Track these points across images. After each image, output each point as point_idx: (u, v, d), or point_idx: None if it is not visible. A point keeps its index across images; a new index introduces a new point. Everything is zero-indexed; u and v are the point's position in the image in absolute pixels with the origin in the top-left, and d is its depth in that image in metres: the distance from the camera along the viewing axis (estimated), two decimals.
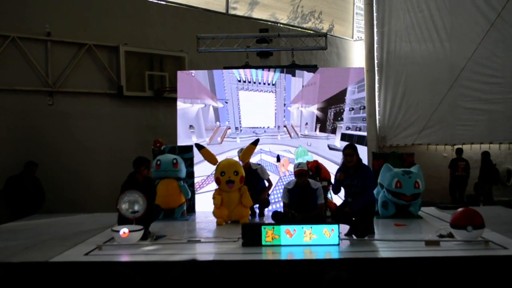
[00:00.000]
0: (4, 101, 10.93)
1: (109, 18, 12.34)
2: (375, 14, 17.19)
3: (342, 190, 7.00)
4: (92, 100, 12.17)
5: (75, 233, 7.44)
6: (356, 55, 18.24)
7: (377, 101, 17.13)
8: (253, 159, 9.16)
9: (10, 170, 10.29)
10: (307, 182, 7.69)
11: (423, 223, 7.99)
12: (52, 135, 11.46)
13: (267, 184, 9.08)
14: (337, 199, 9.58)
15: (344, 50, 18.02)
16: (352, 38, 18.64)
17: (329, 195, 8.81)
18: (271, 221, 7.65)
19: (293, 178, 7.96)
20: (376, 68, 17.16)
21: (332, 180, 8.59)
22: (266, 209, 9.02)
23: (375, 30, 17.22)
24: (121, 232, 6.28)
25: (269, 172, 9.31)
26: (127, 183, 7.17)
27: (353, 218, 6.63)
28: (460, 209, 6.31)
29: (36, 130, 11.32)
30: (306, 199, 7.61)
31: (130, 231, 6.34)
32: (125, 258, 5.85)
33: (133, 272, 2.80)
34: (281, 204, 8.04)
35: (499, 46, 14.77)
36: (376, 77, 17.14)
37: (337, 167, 9.21)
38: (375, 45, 17.20)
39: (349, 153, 6.73)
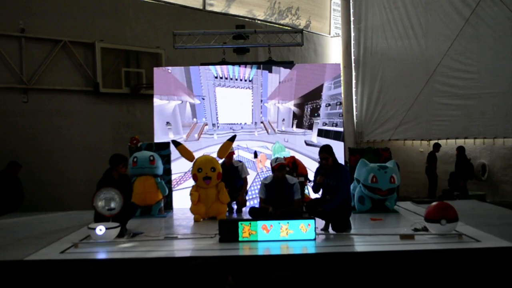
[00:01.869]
0: None
1: (84, 14, 12.23)
2: (351, 10, 17.33)
3: None
4: (68, 97, 12.07)
5: (51, 231, 7.36)
6: (333, 51, 18.34)
7: (354, 97, 17.27)
8: None
9: None
10: (285, 178, 7.72)
11: (399, 218, 8.07)
12: (28, 133, 11.35)
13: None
14: (315, 195, 9.65)
15: (321, 46, 18.10)
16: (329, 34, 18.73)
17: (306, 191, 8.85)
18: (248, 217, 7.67)
19: (271, 173, 7.99)
20: (353, 64, 17.30)
21: (310, 176, 8.67)
22: (243, 207, 9.05)
23: (352, 26, 17.35)
24: (97, 230, 6.24)
25: (248, 171, 9.33)
26: (103, 181, 7.09)
27: (328, 215, 6.69)
28: (434, 203, 6.40)
29: (11, 128, 11.19)
30: (283, 195, 7.64)
31: (106, 229, 6.30)
32: (101, 256, 5.82)
33: (107, 269, 2.80)
34: (258, 200, 8.06)
35: (474, 42, 14.95)
36: (353, 73, 17.28)
37: (314, 162, 9.29)
38: (352, 41, 17.34)
39: (324, 156, 6.82)
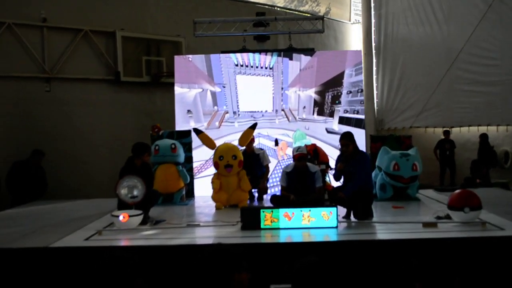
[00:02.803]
0: (0, 88, 10.91)
1: (105, 3, 12.27)
2: None
3: None
4: (89, 86, 12.14)
5: (75, 219, 7.46)
6: (354, 38, 18.17)
7: (374, 84, 17.11)
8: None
9: (9, 157, 10.29)
10: (306, 166, 7.71)
11: (421, 205, 8.04)
12: (50, 122, 11.46)
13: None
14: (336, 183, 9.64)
15: (342, 33, 17.94)
16: (350, 21, 18.54)
17: (327, 178, 8.84)
18: (269, 205, 7.69)
19: (292, 161, 7.98)
20: (373, 51, 17.12)
21: (331, 164, 8.65)
22: (264, 194, 9.06)
23: (373, 12, 17.14)
24: (120, 217, 6.31)
25: (270, 158, 9.33)
26: (125, 169, 7.14)
27: (350, 203, 6.68)
28: (457, 191, 6.34)
29: (34, 117, 11.31)
30: (304, 183, 7.63)
31: (129, 216, 6.37)
32: (125, 243, 5.89)
33: (132, 255, 2.83)
34: (280, 188, 8.07)
35: (497, 28, 14.70)
36: (374, 60, 17.11)
37: (335, 150, 9.25)
38: (373, 28, 17.14)
39: (344, 143, 6.82)
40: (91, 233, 6.23)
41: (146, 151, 7.26)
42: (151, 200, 7.10)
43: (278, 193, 8.43)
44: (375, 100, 17.10)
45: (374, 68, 17.09)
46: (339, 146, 7.05)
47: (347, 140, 6.83)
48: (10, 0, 11.05)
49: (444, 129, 15.06)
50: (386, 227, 6.31)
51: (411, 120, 16.24)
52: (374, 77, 17.09)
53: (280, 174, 8.16)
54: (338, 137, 8.71)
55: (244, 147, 8.76)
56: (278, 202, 7.53)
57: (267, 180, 9.17)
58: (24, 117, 11.20)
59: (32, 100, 11.33)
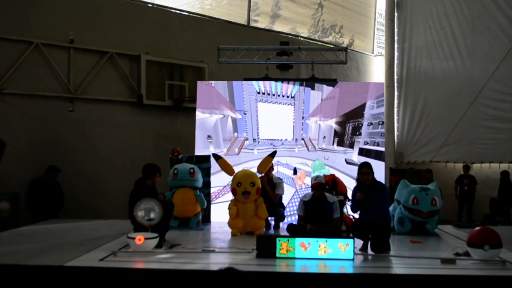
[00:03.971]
0: (25, 106, 11.09)
1: (131, 27, 12.48)
2: (396, 30, 17.12)
3: None
4: (112, 108, 12.29)
5: (91, 238, 7.50)
6: (376, 70, 18.20)
7: (395, 117, 17.03)
8: None
9: (29, 174, 10.41)
10: (324, 196, 7.68)
11: (440, 241, 7.92)
12: (71, 141, 11.58)
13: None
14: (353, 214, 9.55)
15: (364, 65, 18.00)
16: (373, 53, 18.63)
17: (345, 210, 8.77)
18: (286, 233, 7.64)
19: (310, 191, 7.95)
20: (395, 84, 17.06)
21: (349, 195, 8.59)
22: (281, 222, 9.01)
23: (396, 46, 17.14)
24: (136, 239, 6.32)
25: (287, 188, 9.31)
26: (137, 191, 7.23)
27: (369, 235, 6.61)
28: (477, 228, 6.24)
29: (56, 136, 11.44)
30: (321, 213, 7.59)
31: (145, 239, 6.37)
32: (139, 265, 5.88)
33: (148, 279, 2.82)
34: (297, 217, 8.02)
35: None
36: (396, 93, 17.04)
37: (354, 181, 9.19)
38: (395, 61, 17.11)
39: (366, 171, 6.79)
40: (106, 254, 6.24)
41: (156, 171, 7.39)
42: (167, 211, 7.12)
43: (295, 222, 8.38)
44: (396, 133, 17.01)
45: (396, 101, 17.02)
46: (357, 176, 7.01)
47: (368, 168, 6.81)
48: (39, 20, 11.29)
49: (464, 164, 14.89)
50: (403, 262, 6.22)
51: (431, 154, 16.10)
52: (396, 109, 17.02)
53: (297, 203, 8.11)
54: (357, 168, 8.71)
55: (260, 176, 8.77)
56: (295, 231, 7.48)
57: (275, 195, 9.00)
58: (46, 135, 11.34)
59: (55, 119, 11.47)
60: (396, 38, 17.16)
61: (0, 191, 10.35)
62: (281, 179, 9.25)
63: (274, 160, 8.95)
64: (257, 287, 2.81)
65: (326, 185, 7.99)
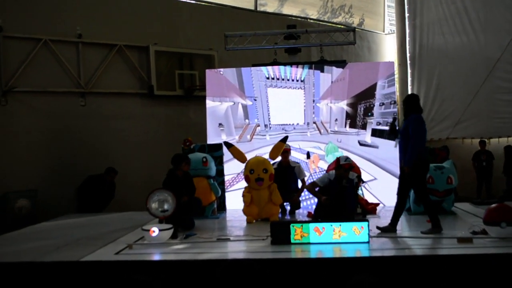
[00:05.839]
0: (37, 102, 11.16)
1: (138, 18, 12.45)
2: (406, 7, 16.85)
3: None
4: (124, 100, 12.32)
5: (107, 232, 7.53)
6: (388, 49, 17.99)
7: None
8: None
9: (43, 170, 10.51)
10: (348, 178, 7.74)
11: (456, 220, 7.84)
12: (85, 136, 11.64)
13: (300, 185, 9.05)
14: (369, 196, 9.52)
15: (376, 44, 17.79)
16: (384, 31, 18.40)
17: (359, 192, 8.72)
18: (303, 218, 7.62)
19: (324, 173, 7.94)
20: (408, 62, 16.84)
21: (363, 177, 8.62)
22: (296, 210, 9.01)
23: (407, 23, 16.88)
24: (151, 231, 6.33)
25: (306, 172, 9.29)
26: (168, 180, 7.46)
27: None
28: (493, 205, 6.15)
29: (69, 131, 11.50)
30: (342, 196, 7.55)
31: (159, 230, 6.39)
32: (155, 258, 5.89)
33: (152, 278, 2.80)
34: (311, 202, 7.99)
35: None
36: (409, 71, 16.83)
37: (368, 163, 9.18)
38: (407, 38, 16.87)
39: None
40: (122, 247, 6.26)
41: (183, 160, 7.69)
42: (192, 207, 7.50)
43: (310, 209, 8.38)
44: None
45: (409, 79, 16.81)
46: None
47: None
48: (46, 17, 11.31)
49: (480, 139, 14.69)
50: (419, 242, 6.15)
51: (448, 131, 15.92)
52: (409, 87, 16.81)
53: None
54: (370, 149, 8.67)
55: (278, 160, 8.73)
56: (322, 213, 7.48)
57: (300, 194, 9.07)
58: (59, 131, 11.40)
59: (68, 114, 11.53)
60: (407, 15, 16.90)
61: (18, 189, 10.47)
62: (298, 163, 9.24)
63: (287, 145, 8.90)
64: (263, 276, 2.78)
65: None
